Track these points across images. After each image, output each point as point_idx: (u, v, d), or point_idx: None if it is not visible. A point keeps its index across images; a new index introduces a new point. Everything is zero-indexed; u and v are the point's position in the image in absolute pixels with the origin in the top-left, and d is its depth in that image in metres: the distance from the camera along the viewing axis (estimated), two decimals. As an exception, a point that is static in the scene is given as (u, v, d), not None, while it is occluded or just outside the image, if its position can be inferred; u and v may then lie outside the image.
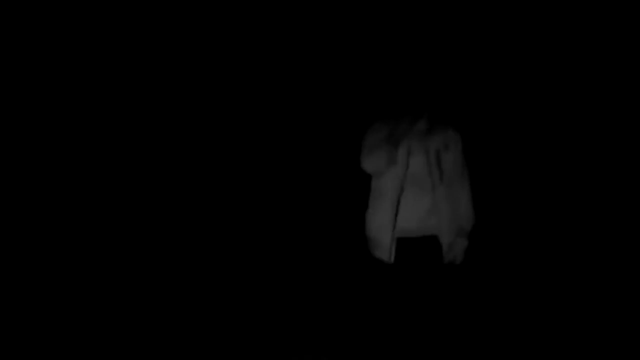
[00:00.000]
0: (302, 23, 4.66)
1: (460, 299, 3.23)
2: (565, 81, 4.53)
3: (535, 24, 4.50)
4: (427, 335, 3.11)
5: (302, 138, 4.74)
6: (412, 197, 3.12)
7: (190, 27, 4.70)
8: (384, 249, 3.13)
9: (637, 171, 4.41)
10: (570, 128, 4.53)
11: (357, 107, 4.63)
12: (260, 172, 4.79)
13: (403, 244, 3.13)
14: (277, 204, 4.81)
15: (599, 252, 4.51)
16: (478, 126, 4.47)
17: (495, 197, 4.46)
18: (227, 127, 4.82)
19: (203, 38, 4.73)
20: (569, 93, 4.53)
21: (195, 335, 4.16)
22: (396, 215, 3.10)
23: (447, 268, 3.16)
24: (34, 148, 4.70)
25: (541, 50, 4.52)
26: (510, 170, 4.57)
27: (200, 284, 4.71)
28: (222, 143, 4.83)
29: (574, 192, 4.53)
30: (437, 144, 3.14)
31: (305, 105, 4.73)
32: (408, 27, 4.57)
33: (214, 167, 4.79)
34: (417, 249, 3.13)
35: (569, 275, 4.54)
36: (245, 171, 4.80)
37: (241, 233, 4.82)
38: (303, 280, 4.76)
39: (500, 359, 3.78)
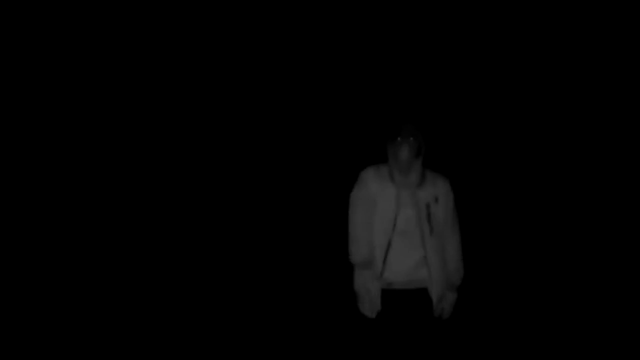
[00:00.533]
0: (301, 24, 4.67)
1: (450, 352, 3.19)
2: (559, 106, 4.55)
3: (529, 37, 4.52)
4: None
5: (301, 138, 4.73)
6: (401, 250, 3.12)
7: (190, 27, 4.71)
8: (368, 304, 3.13)
9: (637, 171, 4.41)
10: (569, 160, 4.54)
11: (355, 111, 4.63)
12: (260, 172, 4.78)
13: (392, 296, 3.12)
14: (276, 205, 4.79)
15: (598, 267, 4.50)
16: (471, 172, 4.49)
17: (485, 250, 4.45)
18: (227, 127, 4.81)
19: (203, 38, 4.73)
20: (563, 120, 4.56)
21: (195, 335, 4.13)
22: (381, 274, 3.09)
23: (436, 321, 3.14)
24: (34, 148, 4.68)
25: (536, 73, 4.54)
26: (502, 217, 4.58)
27: (200, 284, 4.67)
28: (222, 143, 4.82)
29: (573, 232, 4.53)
30: (428, 196, 3.15)
31: (304, 105, 4.73)
32: (405, 37, 4.56)
33: (214, 167, 4.78)
34: (406, 301, 3.12)
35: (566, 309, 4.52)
36: (245, 171, 4.79)
37: (241, 233, 4.79)
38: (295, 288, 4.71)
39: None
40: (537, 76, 4.55)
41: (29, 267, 4.59)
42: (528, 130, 4.56)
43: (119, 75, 4.73)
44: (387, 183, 3.14)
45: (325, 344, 4.29)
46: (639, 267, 4.35)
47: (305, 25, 4.66)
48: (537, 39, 4.51)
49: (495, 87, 4.55)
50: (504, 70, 4.55)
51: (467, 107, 4.57)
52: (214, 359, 3.89)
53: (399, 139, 3.10)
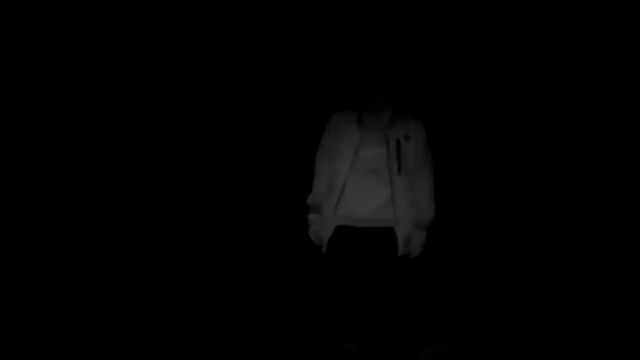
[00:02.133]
0: (300, 23, 4.61)
1: (412, 292, 3.19)
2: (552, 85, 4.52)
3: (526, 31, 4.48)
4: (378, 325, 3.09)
5: (301, 138, 4.69)
6: (367, 185, 3.08)
7: (190, 27, 4.65)
8: (320, 228, 3.15)
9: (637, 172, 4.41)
10: (551, 127, 4.52)
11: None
12: (260, 172, 4.75)
13: (359, 233, 3.10)
14: (276, 205, 4.77)
15: (592, 252, 4.51)
16: (446, 115, 4.45)
17: (461, 191, 4.42)
18: (226, 127, 4.77)
19: (203, 38, 4.67)
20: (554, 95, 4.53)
21: (195, 335, 4.16)
22: (337, 203, 3.08)
23: (401, 261, 3.12)
24: (34, 148, 4.66)
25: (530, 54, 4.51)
26: (479, 162, 4.54)
27: (200, 284, 4.68)
28: (221, 143, 4.78)
29: (546, 190, 4.51)
30: (398, 134, 3.10)
31: (304, 105, 4.67)
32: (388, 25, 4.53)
33: (214, 167, 4.75)
34: (372, 239, 3.10)
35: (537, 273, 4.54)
36: (245, 172, 4.76)
37: (241, 234, 4.78)
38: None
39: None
40: (537, 75, 4.49)
41: (28, 267, 4.56)
42: (528, 130, 4.52)
43: (119, 76, 4.65)
44: (354, 125, 3.12)
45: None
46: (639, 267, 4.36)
47: (305, 25, 4.57)
48: (538, 38, 4.44)
49: (496, 86, 4.50)
50: (504, 69, 4.49)
51: (468, 106, 4.51)
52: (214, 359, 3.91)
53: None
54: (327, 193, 3.16)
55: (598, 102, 4.46)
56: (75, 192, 4.69)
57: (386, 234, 3.09)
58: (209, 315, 4.45)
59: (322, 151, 3.24)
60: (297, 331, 4.18)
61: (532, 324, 4.23)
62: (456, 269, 4.44)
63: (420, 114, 3.29)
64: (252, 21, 4.63)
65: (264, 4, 4.60)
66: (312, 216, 3.22)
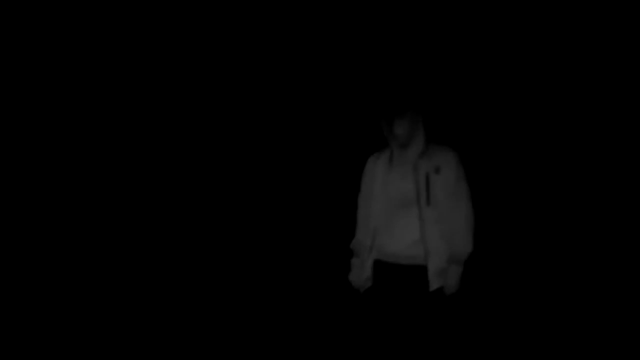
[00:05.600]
0: (301, 23, 4.63)
1: (445, 331, 3.08)
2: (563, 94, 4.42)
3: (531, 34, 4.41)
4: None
5: (300, 138, 4.70)
6: (400, 221, 3.04)
7: (190, 27, 4.74)
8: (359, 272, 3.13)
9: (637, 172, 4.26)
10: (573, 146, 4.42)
11: (354, 110, 4.58)
12: (259, 172, 4.78)
13: (393, 270, 3.05)
14: (276, 205, 4.79)
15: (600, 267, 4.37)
16: (481, 146, 4.39)
17: (501, 222, 4.31)
18: (227, 127, 4.83)
19: (203, 38, 4.75)
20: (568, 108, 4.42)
21: (195, 335, 4.18)
22: (372, 245, 3.08)
23: (436, 297, 3.03)
24: (34, 148, 4.79)
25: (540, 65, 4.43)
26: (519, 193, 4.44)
27: (200, 284, 4.72)
28: (222, 143, 4.84)
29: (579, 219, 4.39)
30: (427, 167, 3.04)
31: (304, 105, 4.69)
32: (407, 32, 4.50)
33: (214, 167, 4.81)
34: (405, 276, 3.03)
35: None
36: (246, 172, 4.80)
37: (241, 234, 4.81)
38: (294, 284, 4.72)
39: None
40: (538, 75, 4.41)
41: (28, 267, 4.68)
42: (529, 130, 4.43)
43: (119, 76, 4.79)
44: (386, 164, 3.13)
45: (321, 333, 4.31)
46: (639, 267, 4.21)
47: (305, 25, 4.61)
48: (538, 37, 4.37)
49: (496, 85, 4.43)
50: (505, 68, 4.42)
51: (469, 105, 4.45)
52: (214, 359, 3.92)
53: (393, 115, 3.04)
54: (366, 236, 3.15)
55: (598, 102, 4.32)
56: (76, 192, 4.79)
57: (422, 270, 3.02)
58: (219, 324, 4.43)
59: (361, 196, 3.26)
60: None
61: None
62: (495, 306, 4.29)
63: (454, 143, 3.23)
64: (279, 38, 4.66)
65: (295, 19, 4.62)
66: (354, 260, 3.23)
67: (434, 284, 2.99)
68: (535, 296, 4.41)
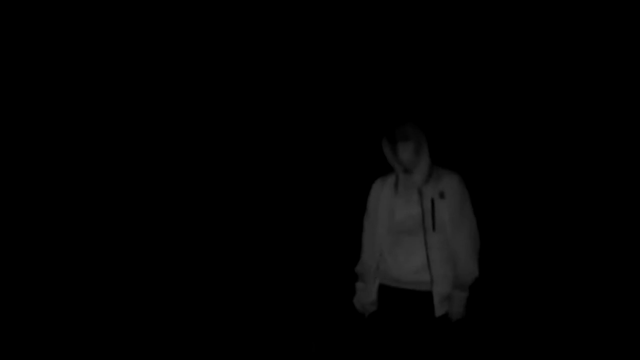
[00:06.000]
0: (302, 24, 4.65)
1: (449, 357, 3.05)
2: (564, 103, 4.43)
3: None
4: None
5: (300, 139, 4.70)
6: (405, 247, 3.03)
7: (190, 27, 4.75)
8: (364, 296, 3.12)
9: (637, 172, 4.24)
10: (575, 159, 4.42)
11: (355, 112, 4.58)
12: (259, 172, 4.78)
13: (398, 295, 3.04)
14: (275, 206, 4.78)
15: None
16: (485, 165, 4.39)
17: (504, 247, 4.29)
18: (227, 128, 4.83)
19: (203, 38, 4.76)
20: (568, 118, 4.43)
21: (195, 335, 4.16)
22: (377, 269, 3.08)
23: (441, 323, 3.00)
24: (34, 148, 4.78)
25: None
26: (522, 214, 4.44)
27: (199, 285, 4.70)
28: (222, 143, 4.84)
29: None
30: (432, 192, 3.03)
31: (303, 105, 4.70)
32: (409, 39, 4.52)
33: (214, 167, 4.80)
34: (414, 301, 3.02)
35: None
36: (245, 172, 4.80)
37: (241, 234, 4.80)
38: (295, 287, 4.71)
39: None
40: (538, 74, 4.42)
41: (28, 267, 4.68)
42: (530, 129, 4.43)
43: (118, 76, 4.80)
44: (392, 189, 3.13)
45: (323, 344, 4.27)
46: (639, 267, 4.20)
47: (305, 25, 4.63)
48: (538, 37, 4.39)
49: (496, 86, 4.44)
50: (505, 68, 4.43)
51: (469, 107, 4.46)
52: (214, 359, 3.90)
53: (396, 140, 3.03)
54: (371, 259, 3.14)
55: (598, 102, 4.32)
56: (76, 192, 4.78)
57: (427, 296, 3.00)
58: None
59: (367, 219, 3.24)
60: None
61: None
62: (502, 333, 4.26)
63: (458, 164, 3.23)
64: (284, 44, 4.67)
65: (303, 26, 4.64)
66: (358, 284, 3.21)
67: (439, 310, 2.98)
68: (541, 322, 4.37)
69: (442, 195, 3.03)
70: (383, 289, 3.10)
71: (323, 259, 4.69)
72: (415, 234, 3.02)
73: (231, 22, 4.73)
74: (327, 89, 4.66)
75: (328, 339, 4.33)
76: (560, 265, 4.42)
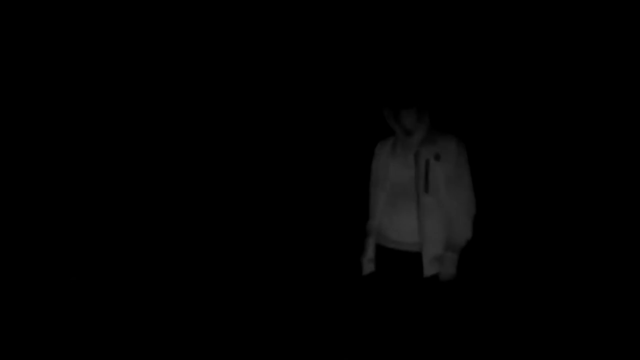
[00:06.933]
0: (301, 23, 4.61)
1: (437, 318, 3.08)
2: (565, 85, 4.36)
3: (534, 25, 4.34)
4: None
5: (299, 138, 4.69)
6: (401, 208, 3.06)
7: (190, 27, 4.73)
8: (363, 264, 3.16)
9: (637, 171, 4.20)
10: (573, 135, 4.36)
11: (355, 109, 4.56)
12: (260, 172, 4.79)
13: (395, 256, 3.08)
14: (276, 206, 4.80)
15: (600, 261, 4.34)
16: (483, 135, 4.35)
17: (499, 210, 4.28)
18: (227, 128, 4.83)
19: (203, 38, 4.74)
20: (569, 96, 4.36)
21: (195, 335, 4.23)
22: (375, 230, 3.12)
23: (431, 283, 3.03)
24: (34, 148, 4.82)
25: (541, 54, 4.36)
26: (518, 181, 4.41)
27: (200, 285, 4.75)
28: (222, 143, 4.84)
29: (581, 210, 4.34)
30: (428, 153, 3.03)
31: (303, 105, 4.68)
32: (408, 29, 4.47)
33: (214, 167, 4.82)
34: (406, 261, 3.05)
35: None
36: (246, 172, 4.81)
37: (241, 234, 4.84)
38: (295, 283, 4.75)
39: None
40: (538, 75, 4.34)
41: (28, 267, 4.71)
42: (530, 129, 4.37)
43: (119, 76, 4.78)
44: (390, 151, 3.15)
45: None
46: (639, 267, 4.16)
47: (304, 25, 4.56)
48: (538, 37, 4.30)
49: (502, 79, 4.37)
50: (504, 68, 4.35)
51: (469, 106, 4.40)
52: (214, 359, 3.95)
53: (400, 107, 3.03)
54: (374, 219, 3.19)
55: (598, 102, 4.24)
56: (76, 192, 4.81)
57: (419, 257, 3.03)
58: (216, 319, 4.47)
59: (371, 183, 3.27)
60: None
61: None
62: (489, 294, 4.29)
63: (458, 129, 3.21)
64: (280, 37, 4.65)
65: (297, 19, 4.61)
66: (366, 241, 3.25)
67: (428, 271, 3.01)
68: (531, 290, 4.39)
69: (437, 157, 3.03)
70: (379, 249, 3.15)
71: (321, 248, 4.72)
72: (410, 196, 3.04)
73: (231, 22, 4.68)
74: (322, 83, 4.63)
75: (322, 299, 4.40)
76: (554, 256, 4.41)
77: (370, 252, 3.17)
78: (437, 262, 3.03)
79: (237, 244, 4.87)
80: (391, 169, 3.10)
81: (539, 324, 4.13)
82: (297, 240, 4.88)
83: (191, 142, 4.86)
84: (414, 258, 3.04)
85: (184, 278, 4.78)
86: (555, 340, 3.95)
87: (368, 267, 3.19)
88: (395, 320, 3.06)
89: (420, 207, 3.01)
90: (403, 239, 3.06)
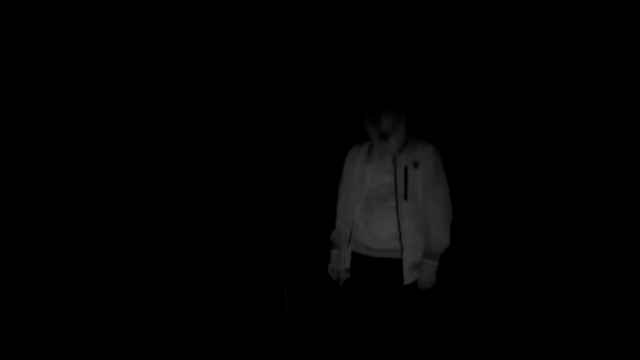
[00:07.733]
0: (300, 23, 4.61)
1: (417, 326, 3.07)
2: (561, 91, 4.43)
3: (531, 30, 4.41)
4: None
5: (299, 138, 4.68)
6: (378, 214, 3.03)
7: (190, 27, 4.71)
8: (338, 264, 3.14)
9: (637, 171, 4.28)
10: (565, 139, 4.43)
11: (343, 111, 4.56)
12: (260, 172, 4.76)
13: (372, 263, 3.05)
14: (275, 205, 4.77)
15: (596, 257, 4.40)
16: (463, 140, 4.39)
17: (479, 215, 4.31)
18: (227, 128, 4.80)
19: (203, 38, 4.72)
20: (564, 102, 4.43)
21: (194, 335, 4.16)
22: (350, 237, 3.09)
23: (410, 291, 3.01)
24: (34, 148, 4.76)
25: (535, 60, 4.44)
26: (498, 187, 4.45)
27: (199, 285, 4.70)
28: (222, 143, 4.81)
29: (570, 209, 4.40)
30: (407, 160, 3.02)
31: (302, 105, 4.67)
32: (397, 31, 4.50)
33: (214, 167, 4.78)
34: (384, 269, 3.02)
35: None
36: (245, 172, 4.78)
37: (241, 234, 4.80)
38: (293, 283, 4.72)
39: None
40: (538, 75, 4.42)
41: (28, 267, 4.65)
42: (529, 129, 4.45)
43: (119, 76, 4.74)
44: (366, 156, 3.11)
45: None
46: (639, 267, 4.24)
47: (304, 25, 4.58)
48: (538, 38, 4.38)
49: (481, 82, 4.44)
50: (504, 68, 4.42)
51: (452, 101, 4.46)
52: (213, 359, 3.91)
53: (379, 110, 3.00)
54: (345, 227, 3.15)
55: (598, 102, 4.33)
56: (76, 192, 4.75)
57: (398, 264, 3.01)
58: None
59: (342, 186, 3.23)
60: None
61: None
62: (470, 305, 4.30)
63: (435, 137, 3.21)
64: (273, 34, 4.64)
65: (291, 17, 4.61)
66: (333, 252, 3.22)
67: (408, 279, 2.99)
68: (511, 297, 4.41)
69: (416, 165, 3.03)
70: (355, 258, 3.11)
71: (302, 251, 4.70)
72: (388, 202, 3.02)
73: (231, 22, 4.67)
74: (308, 78, 4.63)
75: (303, 307, 4.36)
76: (537, 259, 4.45)
77: (347, 262, 3.13)
78: (416, 269, 3.01)
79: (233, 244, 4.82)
80: (368, 174, 3.07)
81: (519, 331, 4.14)
82: (268, 247, 4.85)
83: (189, 142, 4.82)
84: (392, 265, 3.01)
85: (175, 278, 4.72)
86: (536, 348, 3.96)
87: (345, 276, 3.15)
88: (374, 329, 3.02)
89: (399, 213, 2.99)
90: (382, 247, 3.03)
